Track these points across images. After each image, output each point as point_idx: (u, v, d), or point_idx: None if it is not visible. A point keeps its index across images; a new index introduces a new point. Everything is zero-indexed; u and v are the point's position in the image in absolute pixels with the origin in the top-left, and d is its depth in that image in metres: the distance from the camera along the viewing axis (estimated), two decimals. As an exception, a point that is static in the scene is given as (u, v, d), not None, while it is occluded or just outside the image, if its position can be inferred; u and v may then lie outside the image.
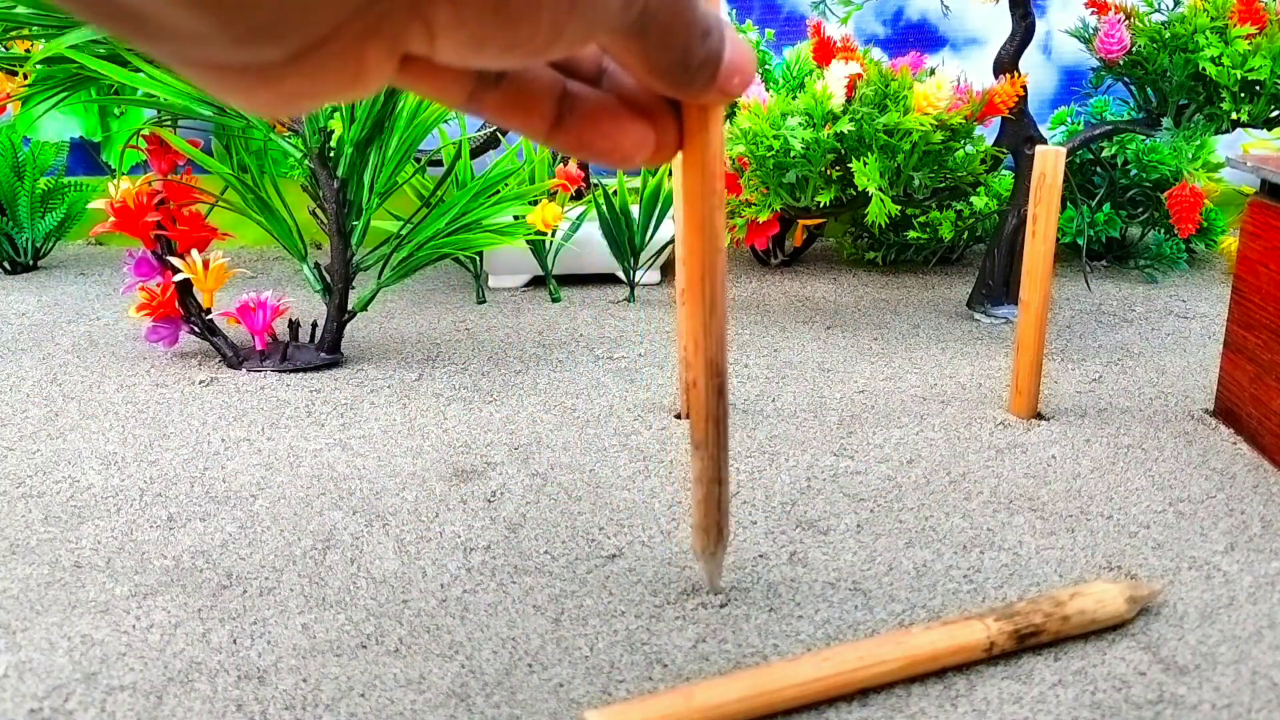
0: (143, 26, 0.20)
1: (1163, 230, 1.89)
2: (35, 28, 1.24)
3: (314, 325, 1.45)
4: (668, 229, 1.77)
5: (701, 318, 0.59)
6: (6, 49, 1.36)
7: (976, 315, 1.61)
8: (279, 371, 1.38)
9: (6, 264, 1.97)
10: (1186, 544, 0.90)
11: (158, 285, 1.38)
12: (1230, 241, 1.89)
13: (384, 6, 0.23)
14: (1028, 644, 0.73)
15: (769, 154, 1.42)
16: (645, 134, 0.42)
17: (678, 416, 1.20)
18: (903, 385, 1.31)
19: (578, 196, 1.85)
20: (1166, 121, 1.50)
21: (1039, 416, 1.19)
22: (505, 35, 0.26)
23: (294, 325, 1.43)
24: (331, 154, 1.32)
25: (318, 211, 1.38)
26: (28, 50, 1.43)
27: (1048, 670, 0.72)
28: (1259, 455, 1.07)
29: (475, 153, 1.87)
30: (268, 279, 1.89)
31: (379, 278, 1.42)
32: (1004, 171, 1.77)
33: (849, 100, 1.41)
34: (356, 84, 0.26)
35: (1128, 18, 1.49)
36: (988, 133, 1.53)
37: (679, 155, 0.47)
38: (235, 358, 1.41)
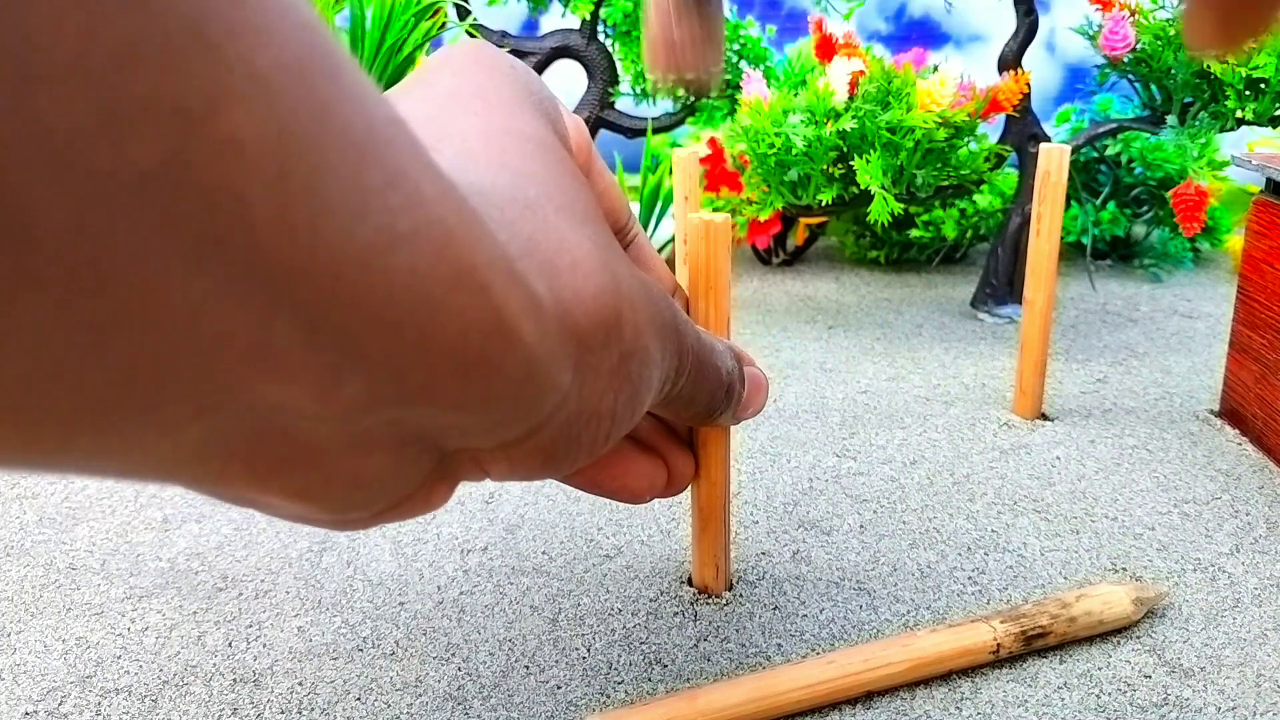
0: (255, 505, 0.24)
1: (1168, 229, 1.88)
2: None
3: (312, 324, 1.44)
4: (668, 228, 1.77)
5: None
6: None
7: (980, 314, 1.60)
8: (277, 371, 1.37)
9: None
10: (1191, 546, 0.89)
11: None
12: (1235, 240, 1.88)
13: (450, 463, 0.26)
14: (1034, 646, 0.72)
15: (770, 152, 1.42)
16: (656, 471, 0.43)
17: (678, 416, 1.20)
18: (906, 385, 1.30)
19: (578, 195, 1.84)
20: (1171, 119, 1.49)
21: (1043, 417, 1.18)
22: (551, 473, 0.29)
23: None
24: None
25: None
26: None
27: (1053, 673, 0.72)
28: (1264, 456, 1.06)
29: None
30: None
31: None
32: (1008, 169, 1.76)
33: (851, 97, 1.40)
34: (423, 512, 0.29)
35: (1132, 14, 1.48)
36: (991, 130, 1.52)
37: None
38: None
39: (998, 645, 0.70)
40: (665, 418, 0.41)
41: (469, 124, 0.31)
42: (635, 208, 1.75)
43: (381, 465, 0.23)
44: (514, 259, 0.24)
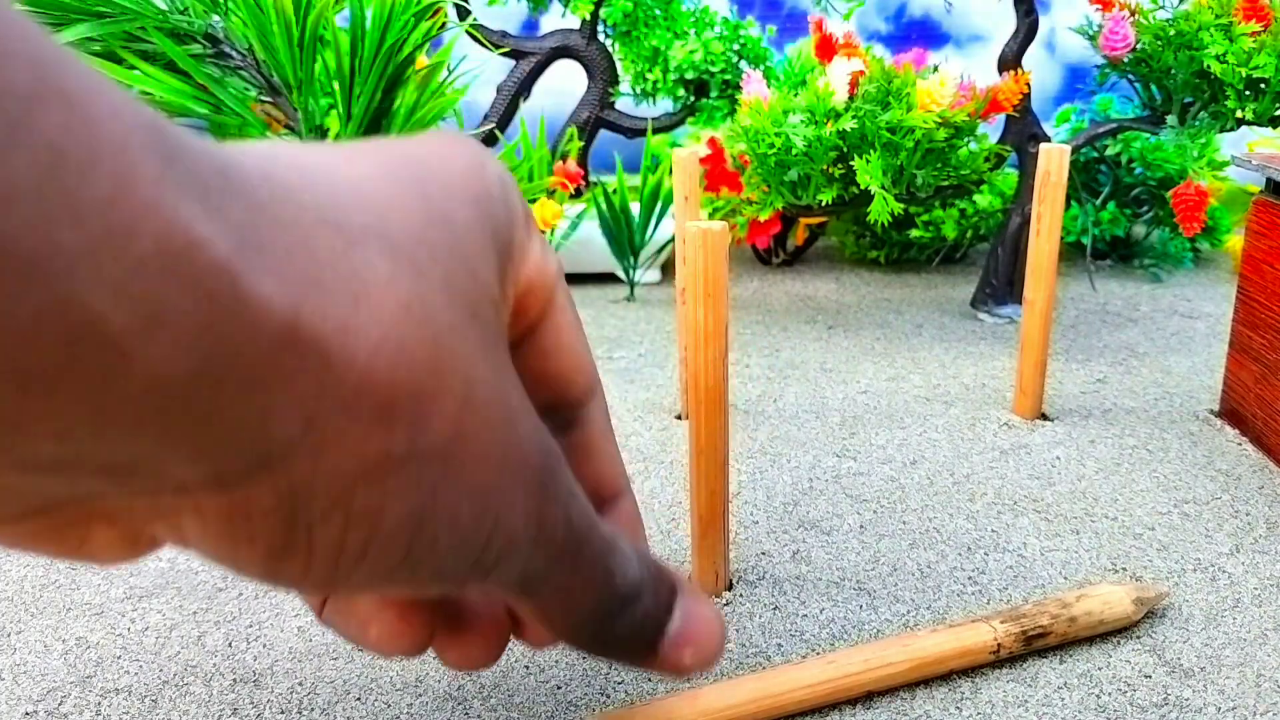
0: None
1: (1168, 229, 1.88)
2: (31, 25, 1.23)
3: (312, 324, 1.44)
4: (668, 227, 1.77)
5: None
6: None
7: (980, 315, 1.60)
8: (277, 371, 1.37)
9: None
10: (1191, 546, 0.89)
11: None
12: (1235, 240, 1.88)
13: (104, 504, 0.20)
14: (1034, 646, 0.72)
15: (770, 152, 1.42)
16: (416, 634, 0.34)
17: (678, 417, 1.20)
18: (906, 385, 1.30)
19: (577, 194, 1.84)
20: (1171, 119, 1.49)
21: (1043, 417, 1.18)
22: (263, 563, 0.21)
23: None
24: (330, 152, 1.31)
25: (316, 210, 1.37)
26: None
27: (1053, 673, 0.72)
28: (1264, 456, 1.06)
29: (475, 151, 1.86)
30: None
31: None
32: (1008, 169, 1.76)
33: (851, 97, 1.40)
34: (83, 554, 0.23)
35: (1132, 14, 1.49)
36: (991, 130, 1.52)
37: None
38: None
39: (998, 645, 0.71)
40: (535, 625, 0.32)
41: (380, 170, 0.25)
42: (635, 208, 1.75)
43: None
44: (248, 246, 0.18)
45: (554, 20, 1.96)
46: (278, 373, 0.18)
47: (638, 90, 1.85)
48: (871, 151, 1.38)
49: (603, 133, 1.97)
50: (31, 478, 0.18)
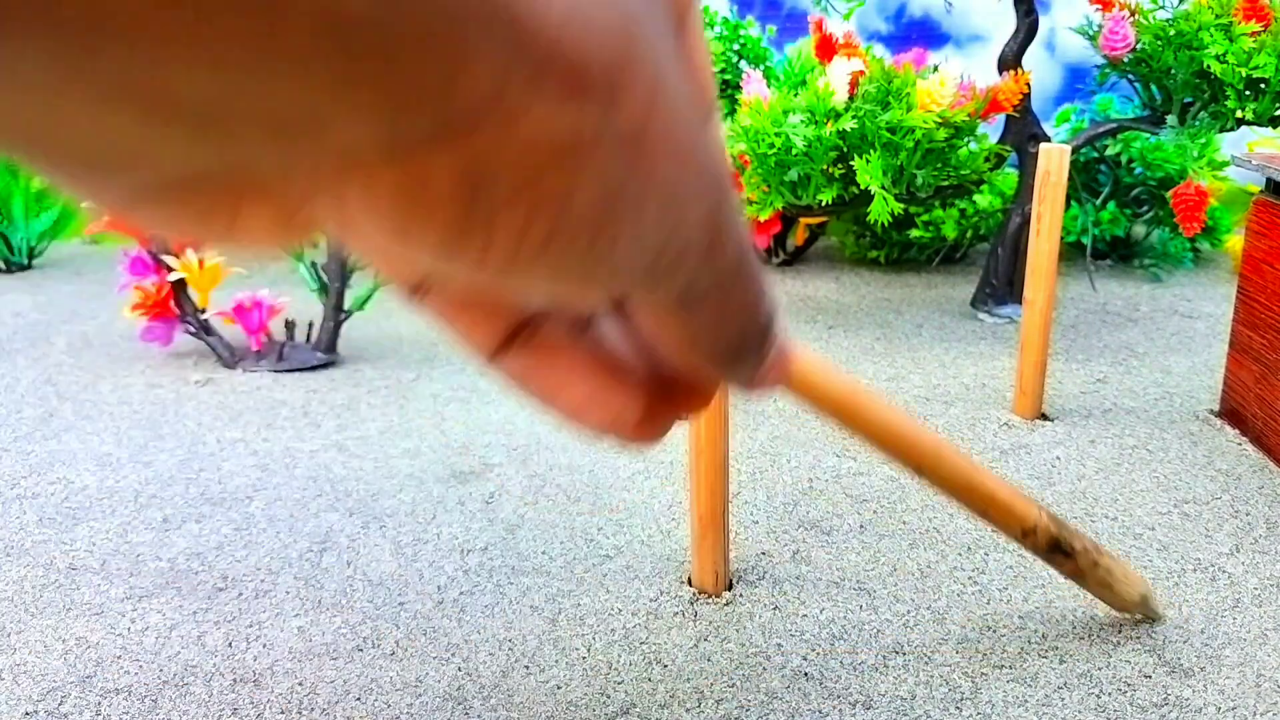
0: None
1: (1168, 229, 1.88)
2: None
3: (310, 325, 1.44)
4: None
5: None
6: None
7: (980, 314, 1.60)
8: (275, 372, 1.37)
9: (1, 263, 1.96)
10: (1191, 546, 0.89)
11: (153, 284, 1.37)
12: (1235, 240, 1.88)
13: (259, 177, 0.19)
14: (1054, 559, 0.70)
15: (770, 152, 1.42)
16: (598, 399, 0.34)
17: (678, 416, 1.20)
18: (906, 385, 1.30)
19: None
20: (1171, 119, 1.49)
21: (1043, 417, 1.18)
22: (426, 237, 0.21)
23: (290, 325, 1.42)
24: (329, 152, 1.31)
25: (316, 210, 1.37)
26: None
27: (1053, 673, 0.72)
28: (1264, 456, 1.06)
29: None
30: (263, 278, 1.88)
31: (376, 277, 1.41)
32: (1008, 169, 1.76)
33: (851, 97, 1.40)
34: (232, 236, 0.22)
35: (1132, 14, 1.48)
36: (991, 130, 1.52)
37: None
38: (231, 358, 1.40)
39: (1035, 528, 0.67)
40: (672, 349, 0.30)
41: None
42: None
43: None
44: None
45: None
46: (465, 27, 0.16)
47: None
48: (871, 151, 1.38)
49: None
50: (179, 132, 0.16)
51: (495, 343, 0.32)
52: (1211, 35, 1.37)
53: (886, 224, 1.84)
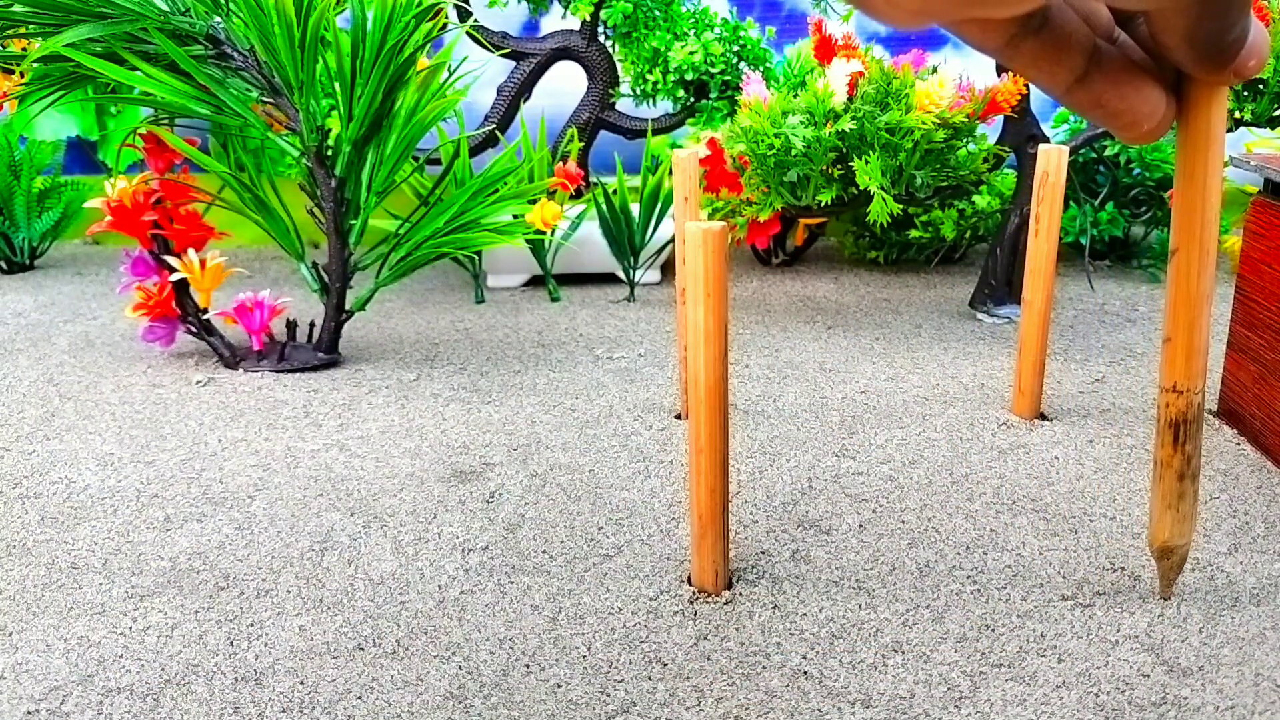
0: None
1: (1166, 229, 1.88)
2: (32, 26, 1.23)
3: (311, 325, 1.44)
4: (668, 228, 1.77)
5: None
6: (3, 47, 1.36)
7: (979, 315, 1.61)
8: (276, 372, 1.38)
9: (3, 263, 1.96)
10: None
11: (154, 285, 1.38)
12: (1234, 241, 1.88)
13: None
14: (1173, 432, 0.66)
15: (770, 153, 1.42)
16: (1160, 100, 0.40)
17: (678, 417, 1.20)
18: (905, 385, 1.30)
19: (577, 195, 1.84)
20: (1169, 120, 1.49)
21: (1042, 417, 1.18)
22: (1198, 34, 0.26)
23: (291, 325, 1.42)
24: (329, 152, 1.31)
25: (315, 210, 1.37)
26: (24, 49, 1.43)
27: (1051, 672, 0.72)
28: (1262, 456, 1.06)
29: (474, 151, 1.86)
30: (265, 278, 1.89)
31: (377, 277, 1.42)
32: (1006, 170, 1.76)
33: (850, 98, 1.41)
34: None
35: (1130, 16, 1.49)
36: (990, 131, 1.52)
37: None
38: (232, 358, 1.40)
39: (1189, 391, 0.61)
40: (1171, 48, 0.36)
41: None
42: (635, 208, 1.76)
43: None
44: None
45: (554, 21, 1.97)
46: None
47: (638, 91, 1.86)
48: (870, 152, 1.38)
49: (603, 134, 1.97)
50: None
51: (1073, 78, 0.37)
52: (1210, 36, 1.37)
53: (885, 224, 1.84)
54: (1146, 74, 0.38)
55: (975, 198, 1.79)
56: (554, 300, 1.73)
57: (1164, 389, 0.64)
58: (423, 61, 1.34)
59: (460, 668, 0.73)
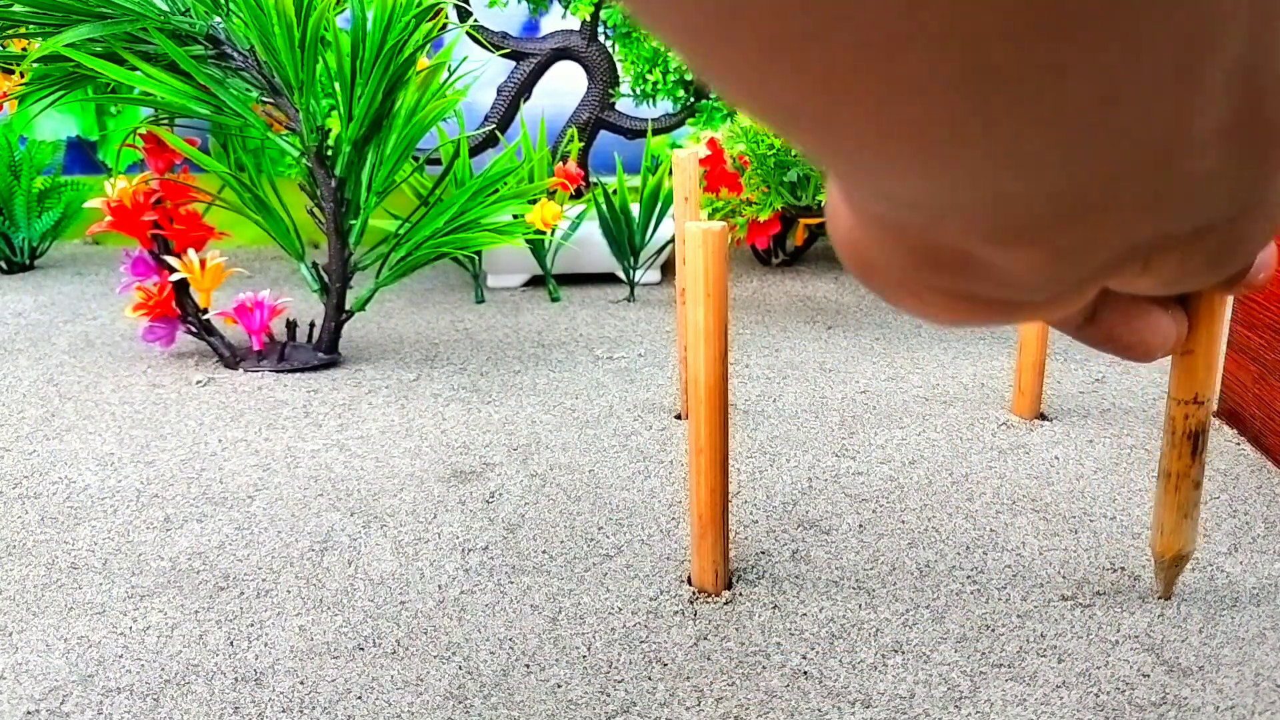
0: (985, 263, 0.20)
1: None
2: (32, 26, 1.23)
3: (311, 325, 1.44)
4: (668, 228, 1.77)
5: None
6: (3, 47, 1.36)
7: (978, 315, 1.60)
8: (276, 372, 1.38)
9: (3, 263, 1.96)
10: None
11: (154, 285, 1.38)
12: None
13: (1125, 260, 0.22)
14: (1189, 444, 0.68)
15: (770, 153, 1.42)
16: (1169, 329, 0.40)
17: (678, 417, 1.20)
18: (905, 385, 1.30)
19: (577, 195, 1.84)
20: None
21: (1042, 417, 1.18)
22: (1215, 274, 0.26)
23: (291, 325, 1.42)
24: (329, 152, 1.31)
25: (315, 210, 1.37)
26: (24, 49, 1.43)
27: (1051, 672, 0.72)
28: (1262, 456, 1.06)
29: (474, 151, 1.86)
30: (265, 278, 1.89)
31: (377, 277, 1.42)
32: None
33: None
34: (1071, 309, 0.27)
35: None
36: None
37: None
38: (232, 358, 1.40)
39: (1204, 402, 0.64)
40: (1179, 279, 0.35)
41: None
42: (635, 208, 1.76)
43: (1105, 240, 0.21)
44: None
45: (554, 22, 1.97)
46: None
47: (638, 91, 1.86)
48: (871, 152, 1.38)
49: (603, 134, 1.97)
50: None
51: (1084, 317, 0.38)
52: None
53: (886, 225, 1.84)
54: (1153, 303, 0.39)
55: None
56: (554, 300, 1.73)
57: (1182, 400, 0.65)
58: (423, 61, 1.34)
59: (460, 668, 0.73)
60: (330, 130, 1.31)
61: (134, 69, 1.24)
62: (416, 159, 1.62)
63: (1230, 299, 0.62)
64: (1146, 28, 0.13)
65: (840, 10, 0.12)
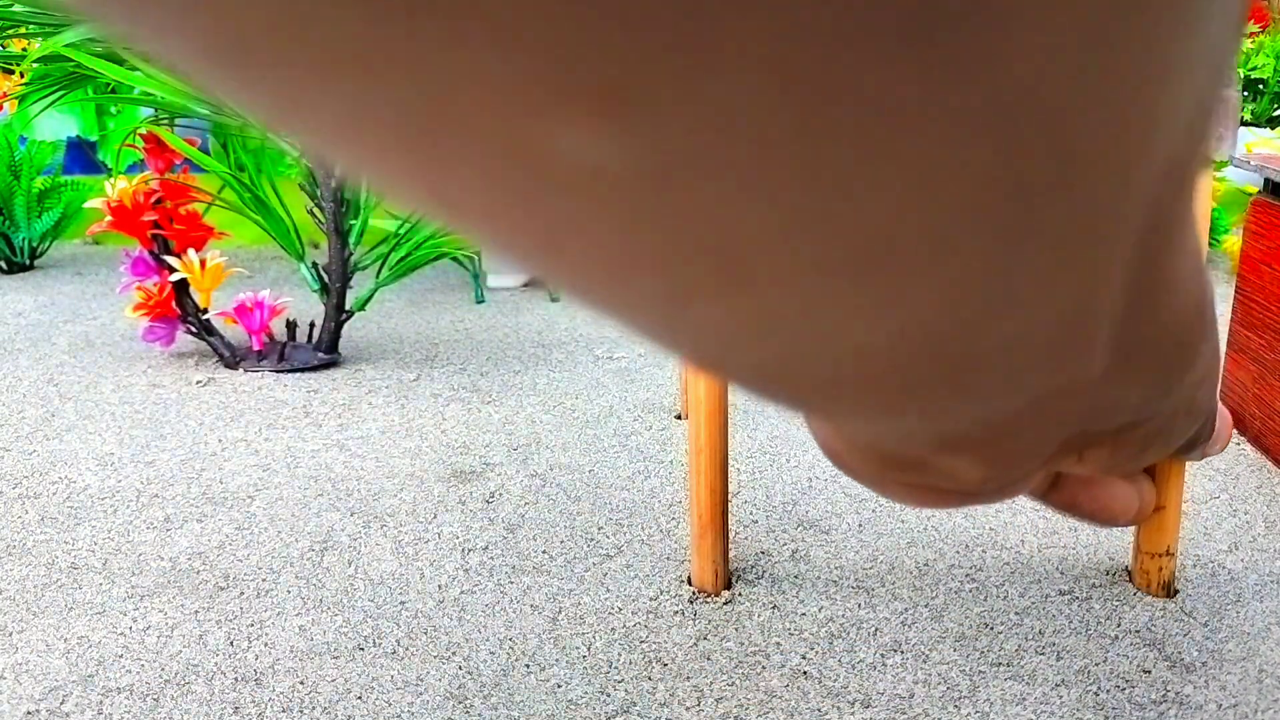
0: (928, 469, 0.21)
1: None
2: (32, 26, 1.23)
3: (311, 325, 1.44)
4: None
5: None
6: (3, 47, 1.36)
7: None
8: (276, 372, 1.38)
9: (3, 263, 1.96)
10: (1191, 543, 0.89)
11: (154, 285, 1.38)
12: (1233, 241, 1.88)
13: (1059, 452, 0.23)
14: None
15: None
16: (1130, 497, 0.42)
17: (678, 417, 1.20)
18: (904, 384, 1.30)
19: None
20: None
21: (1041, 416, 1.18)
22: (1141, 462, 0.26)
23: (291, 325, 1.42)
24: (330, 153, 1.31)
25: (315, 210, 1.37)
26: (24, 49, 1.43)
27: (1050, 670, 0.72)
28: (1262, 455, 1.06)
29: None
30: (265, 278, 1.89)
31: (377, 277, 1.42)
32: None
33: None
34: (1016, 495, 0.28)
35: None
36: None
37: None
38: (232, 358, 1.40)
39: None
40: (1140, 455, 0.37)
41: None
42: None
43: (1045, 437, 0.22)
44: None
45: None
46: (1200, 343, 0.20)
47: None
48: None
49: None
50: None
51: (1047, 486, 0.39)
52: (1209, 36, 1.38)
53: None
54: (1120, 477, 0.40)
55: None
56: (554, 300, 1.73)
57: (1155, 554, 0.68)
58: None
59: (460, 668, 0.73)
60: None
61: (134, 69, 1.24)
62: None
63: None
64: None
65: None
